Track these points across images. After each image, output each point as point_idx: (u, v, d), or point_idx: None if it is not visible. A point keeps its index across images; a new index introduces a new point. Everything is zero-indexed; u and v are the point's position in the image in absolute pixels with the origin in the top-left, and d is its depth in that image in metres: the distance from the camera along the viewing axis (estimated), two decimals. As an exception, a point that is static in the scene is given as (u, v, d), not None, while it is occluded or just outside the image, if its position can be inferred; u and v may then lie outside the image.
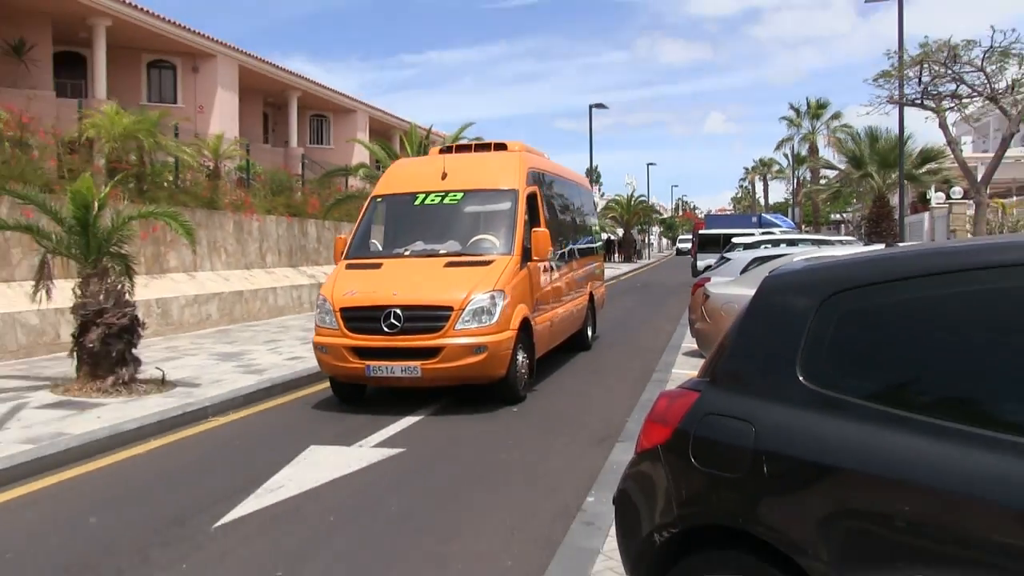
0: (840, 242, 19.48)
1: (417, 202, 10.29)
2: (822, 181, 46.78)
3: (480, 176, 10.45)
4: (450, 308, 8.53)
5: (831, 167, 38.83)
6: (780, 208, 76.55)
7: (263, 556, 4.84)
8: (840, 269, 2.94)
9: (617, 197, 66.50)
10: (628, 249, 61.06)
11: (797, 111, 60.26)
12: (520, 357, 9.13)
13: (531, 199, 10.36)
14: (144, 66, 28.13)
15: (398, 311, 8.53)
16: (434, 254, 9.67)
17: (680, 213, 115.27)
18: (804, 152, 59.57)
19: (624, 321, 18.63)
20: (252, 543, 5.07)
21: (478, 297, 8.62)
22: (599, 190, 75.24)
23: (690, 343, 12.56)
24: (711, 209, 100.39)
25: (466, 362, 8.44)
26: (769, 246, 18.33)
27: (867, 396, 2.62)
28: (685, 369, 10.66)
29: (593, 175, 56.32)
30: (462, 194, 10.14)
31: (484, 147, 11.46)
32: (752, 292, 3.19)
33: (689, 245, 55.54)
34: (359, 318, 8.72)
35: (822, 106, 58.75)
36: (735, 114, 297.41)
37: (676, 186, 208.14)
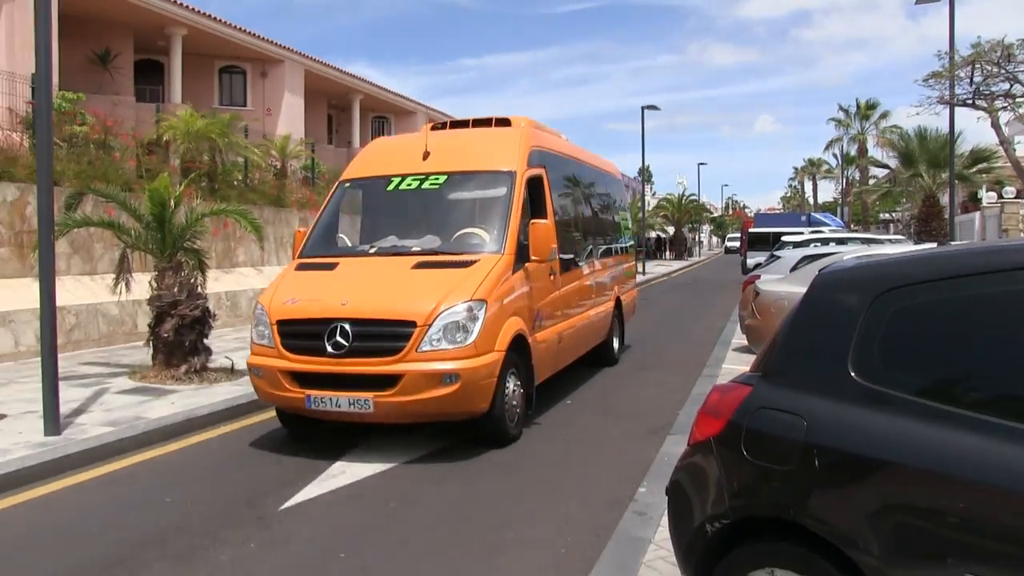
0: (890, 241, 19.16)
1: (390, 187, 8.38)
2: (871, 181, 45.97)
3: (469, 156, 8.53)
4: (412, 323, 6.62)
5: (881, 166, 38.06)
6: (829, 207, 75.19)
7: (327, 538, 5.03)
8: (892, 267, 2.97)
9: (668, 196, 66.70)
10: (679, 247, 61.87)
11: (846, 112, 59.66)
12: (511, 385, 7.18)
13: (534, 184, 8.48)
14: (216, 71, 28.95)
15: (346, 326, 6.66)
16: (405, 252, 7.72)
17: (730, 212, 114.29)
18: (853, 152, 58.93)
19: (675, 315, 18.78)
20: (316, 526, 5.26)
21: (451, 309, 6.68)
22: (651, 189, 75.00)
23: (740, 339, 12.54)
24: (760, 208, 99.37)
25: (432, 395, 6.53)
26: (818, 244, 18.12)
27: (918, 392, 2.64)
28: (736, 364, 10.65)
29: (645, 175, 56.53)
30: (445, 177, 8.23)
31: (484, 122, 9.35)
32: (802, 289, 3.24)
33: (737, 244, 55.54)
34: (298, 334, 6.92)
35: (871, 107, 57.98)
36: (784, 115, 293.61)
37: (726, 185, 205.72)
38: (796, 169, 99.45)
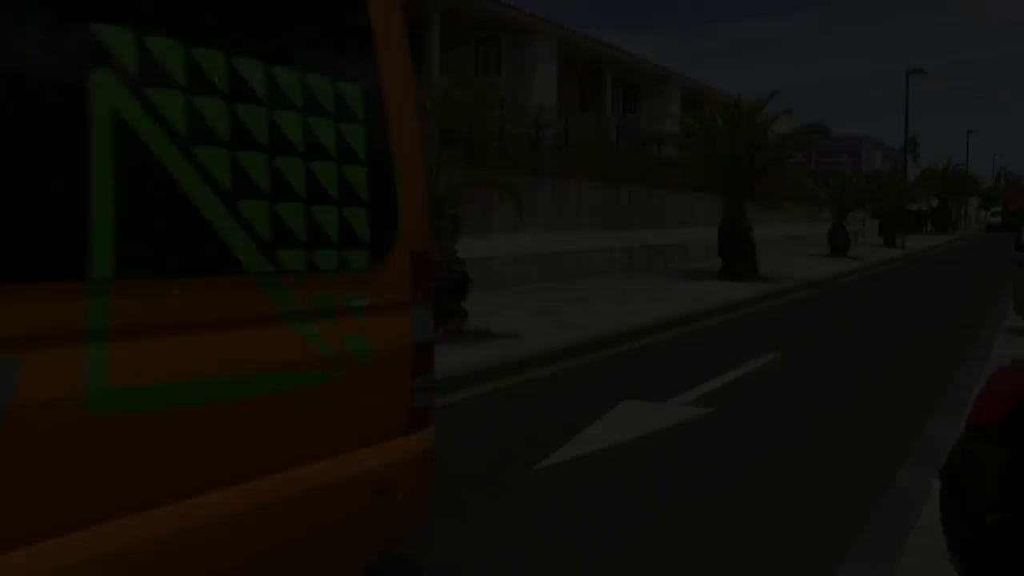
0: None
1: None
2: None
3: None
4: None
5: None
6: None
7: (580, 501, 5.13)
8: None
9: (932, 167, 61.96)
10: (943, 220, 58.01)
11: None
12: None
13: None
14: (472, 44, 30.25)
15: None
16: None
17: (1002, 184, 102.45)
18: None
19: (937, 292, 17.91)
20: (567, 488, 5.36)
21: None
22: (914, 160, 69.80)
23: (1013, 320, 11.71)
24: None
25: None
26: None
27: None
28: (1007, 347, 9.88)
29: (909, 145, 52.58)
30: None
31: None
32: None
33: (1000, 219, 50.25)
34: None
35: None
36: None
37: (999, 154, 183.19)
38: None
